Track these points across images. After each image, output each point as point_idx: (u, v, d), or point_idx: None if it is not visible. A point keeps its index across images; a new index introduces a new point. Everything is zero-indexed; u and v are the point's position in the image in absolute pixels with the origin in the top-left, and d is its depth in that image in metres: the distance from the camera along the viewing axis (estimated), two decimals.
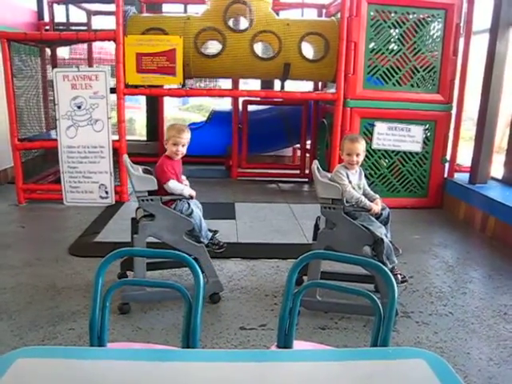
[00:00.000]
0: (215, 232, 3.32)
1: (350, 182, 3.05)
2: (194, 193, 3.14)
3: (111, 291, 1.54)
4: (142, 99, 8.82)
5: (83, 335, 2.71)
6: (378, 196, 3.15)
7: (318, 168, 3.13)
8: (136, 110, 10.71)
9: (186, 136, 3.11)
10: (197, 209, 3.17)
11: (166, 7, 7.76)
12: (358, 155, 3.05)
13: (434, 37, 5.43)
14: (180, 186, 3.10)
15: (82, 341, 2.67)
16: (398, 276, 3.00)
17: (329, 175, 3.21)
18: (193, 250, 3.04)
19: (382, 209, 3.08)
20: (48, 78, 6.59)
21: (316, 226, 3.24)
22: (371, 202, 3.07)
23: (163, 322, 2.92)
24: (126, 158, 3.12)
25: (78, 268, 3.68)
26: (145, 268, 3.05)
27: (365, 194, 3.14)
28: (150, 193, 3.02)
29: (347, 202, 2.98)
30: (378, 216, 3.07)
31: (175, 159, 3.14)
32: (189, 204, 3.12)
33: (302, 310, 2.94)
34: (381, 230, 2.95)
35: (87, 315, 1.51)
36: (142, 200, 3.00)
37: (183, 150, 3.12)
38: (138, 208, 3.15)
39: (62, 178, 5.33)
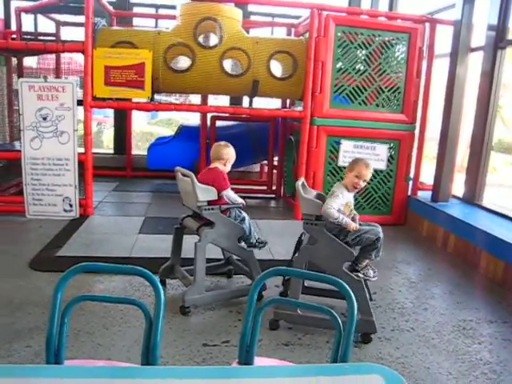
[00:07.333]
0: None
1: (346, 202, 3.06)
2: (244, 201, 3.45)
3: (70, 307, 1.51)
4: (111, 112, 8.73)
5: (40, 352, 2.63)
6: (356, 213, 3.19)
7: (303, 184, 3.18)
8: (105, 122, 10.61)
9: None
10: (247, 215, 3.46)
11: (136, 21, 7.76)
12: (364, 181, 3.11)
13: (399, 59, 5.62)
14: (235, 194, 3.41)
15: (38, 358, 2.59)
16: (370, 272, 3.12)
17: (314, 192, 3.25)
18: (244, 254, 3.45)
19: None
20: (13, 87, 6.47)
21: (299, 241, 3.26)
22: (353, 218, 3.11)
23: (125, 338, 2.87)
24: (181, 170, 3.38)
25: (38, 283, 3.59)
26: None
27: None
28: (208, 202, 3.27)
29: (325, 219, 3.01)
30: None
31: None
32: (240, 211, 3.42)
33: (265, 325, 2.96)
34: (377, 229, 3.03)
35: (45, 332, 1.48)
36: (204, 209, 3.24)
37: None
38: (185, 217, 3.50)
39: (24, 190, 5.20)
